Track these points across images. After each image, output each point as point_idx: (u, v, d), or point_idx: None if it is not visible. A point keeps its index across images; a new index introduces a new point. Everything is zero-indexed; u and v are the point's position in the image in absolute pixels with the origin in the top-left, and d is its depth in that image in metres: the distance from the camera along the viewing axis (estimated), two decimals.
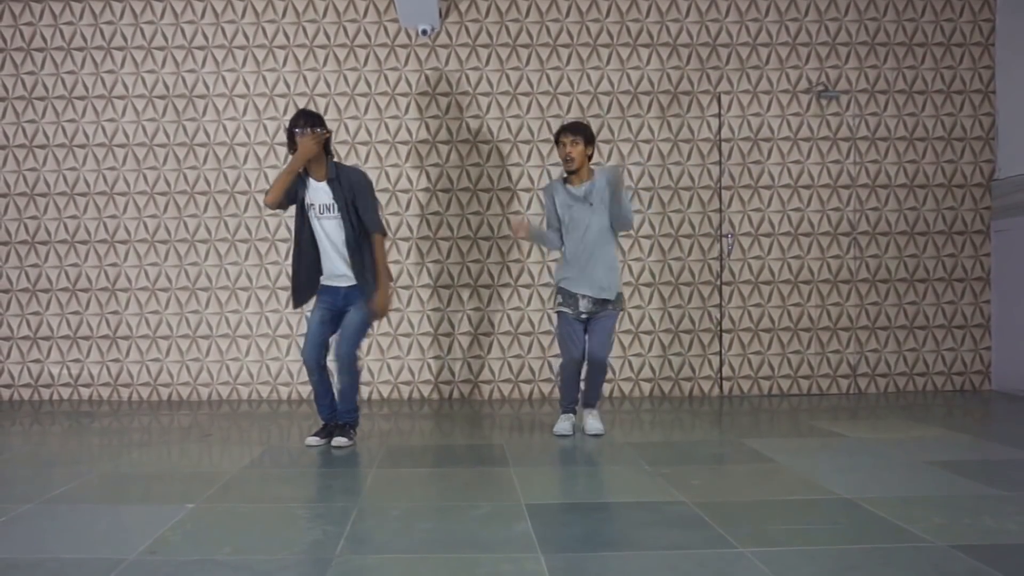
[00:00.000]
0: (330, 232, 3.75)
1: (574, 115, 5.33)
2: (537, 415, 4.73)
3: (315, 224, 3.77)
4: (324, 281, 3.86)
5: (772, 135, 5.43)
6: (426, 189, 5.38)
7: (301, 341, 5.26)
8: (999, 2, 5.46)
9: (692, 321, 5.43)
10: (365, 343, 5.31)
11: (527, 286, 5.39)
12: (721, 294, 5.43)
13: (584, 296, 3.90)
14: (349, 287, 3.80)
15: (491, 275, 5.39)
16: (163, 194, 5.36)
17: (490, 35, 5.39)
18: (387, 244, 3.87)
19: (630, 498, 2.88)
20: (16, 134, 5.36)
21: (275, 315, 5.37)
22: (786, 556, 2.21)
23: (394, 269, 5.14)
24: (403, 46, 5.37)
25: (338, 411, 3.88)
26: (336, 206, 3.72)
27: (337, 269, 3.79)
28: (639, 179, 5.40)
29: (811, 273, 5.46)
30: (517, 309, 5.39)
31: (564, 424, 4.03)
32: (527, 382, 5.40)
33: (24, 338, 5.38)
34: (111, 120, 5.36)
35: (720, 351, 5.44)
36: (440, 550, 2.30)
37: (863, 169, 5.46)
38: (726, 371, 5.44)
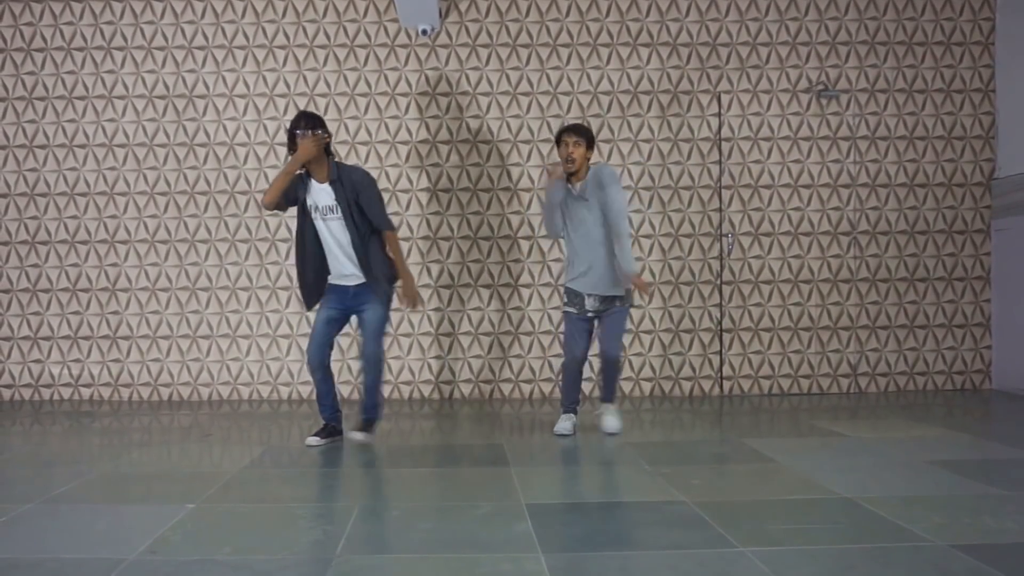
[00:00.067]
0: (336, 233, 3.74)
1: (574, 115, 5.33)
2: (537, 415, 4.73)
3: (320, 225, 3.76)
4: (332, 280, 3.85)
5: (772, 134, 5.43)
6: (426, 189, 5.38)
7: (301, 341, 5.28)
8: (999, 1, 5.45)
9: (692, 321, 5.43)
10: None
11: (527, 286, 5.39)
12: (721, 293, 5.43)
13: (591, 295, 3.91)
14: (357, 285, 3.78)
15: (491, 275, 5.39)
16: (163, 194, 5.36)
17: (490, 35, 5.39)
18: (382, 247, 3.86)
19: (630, 498, 2.88)
20: (16, 134, 5.36)
21: (275, 315, 5.37)
22: (786, 556, 2.21)
23: None
24: (403, 46, 5.37)
25: (365, 406, 3.89)
26: (339, 207, 3.70)
27: (345, 269, 3.78)
28: (639, 179, 5.40)
29: (811, 272, 5.46)
30: (517, 309, 5.39)
31: (564, 424, 4.03)
32: (527, 382, 5.40)
33: (25, 338, 5.38)
34: (111, 120, 5.36)
35: (720, 350, 5.44)
36: (440, 550, 2.30)
37: (863, 168, 5.46)
38: (726, 370, 5.44)
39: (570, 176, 3.94)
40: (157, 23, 5.35)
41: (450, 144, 5.38)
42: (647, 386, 5.42)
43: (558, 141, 3.95)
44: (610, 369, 4.06)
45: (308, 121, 3.69)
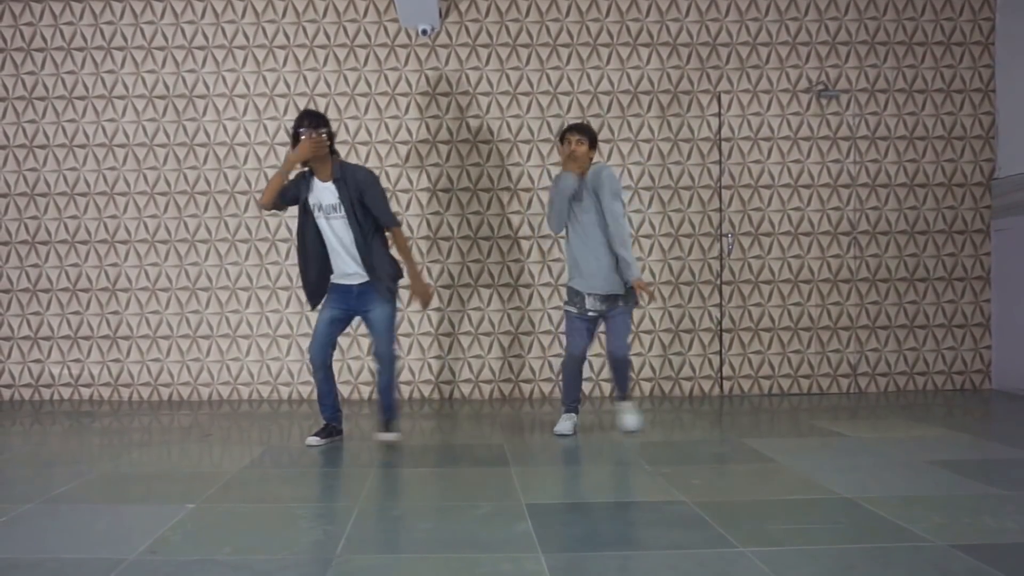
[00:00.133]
0: (338, 232, 3.73)
1: (574, 115, 5.33)
2: (537, 415, 4.73)
3: (322, 224, 3.75)
4: (335, 280, 3.83)
5: (772, 134, 5.43)
6: (426, 189, 5.38)
7: (301, 341, 5.28)
8: (999, 1, 5.45)
9: (692, 321, 5.43)
10: (365, 343, 5.32)
11: (527, 286, 5.39)
12: (721, 293, 5.43)
13: (592, 294, 3.91)
14: (361, 284, 3.77)
15: (491, 275, 5.39)
16: (163, 194, 5.36)
17: (490, 35, 5.39)
18: (385, 245, 3.86)
19: (630, 498, 2.88)
20: (16, 134, 5.36)
21: (275, 315, 5.37)
22: (786, 556, 2.21)
23: None
24: (403, 46, 5.37)
25: (383, 407, 3.89)
26: (342, 206, 3.69)
27: (347, 267, 3.77)
28: (639, 179, 5.40)
29: (811, 272, 5.46)
30: (517, 309, 5.39)
31: (565, 424, 4.03)
32: (527, 382, 5.40)
33: (25, 338, 5.38)
34: (111, 120, 5.36)
35: (720, 350, 5.44)
36: (440, 550, 2.30)
37: (863, 168, 5.46)
38: (726, 371, 5.44)
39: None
40: (157, 23, 5.35)
41: (450, 144, 5.38)
42: (647, 386, 5.42)
43: (562, 139, 3.95)
44: (620, 368, 4.08)
45: (312, 120, 3.68)
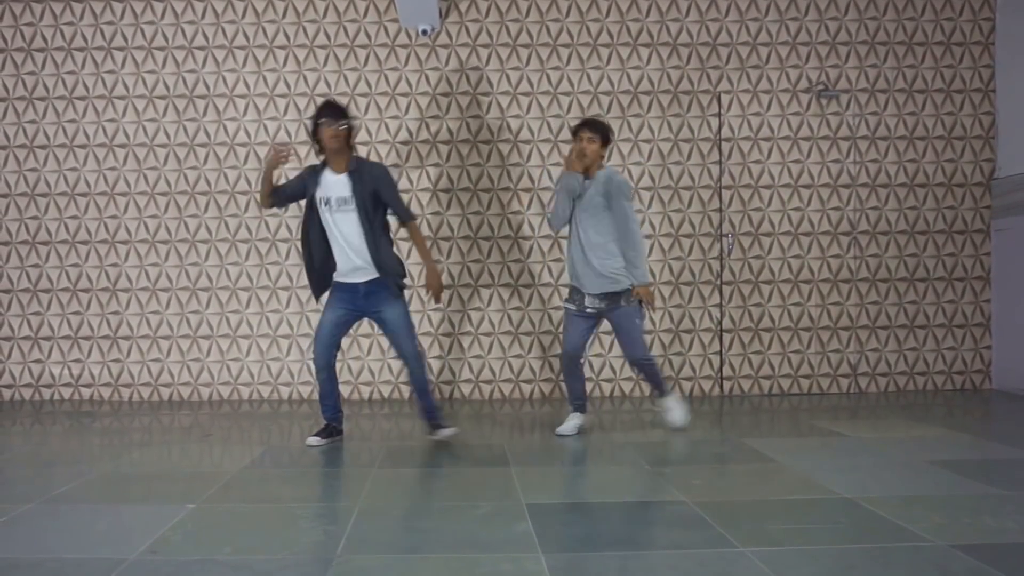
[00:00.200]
0: (344, 226, 3.69)
1: (574, 115, 5.33)
2: (537, 415, 4.73)
3: (328, 219, 3.70)
4: (339, 278, 3.80)
5: (772, 134, 5.44)
6: (426, 189, 5.38)
7: (302, 341, 5.29)
8: (999, 1, 5.46)
9: (692, 321, 5.43)
10: (366, 343, 5.33)
11: (527, 286, 5.39)
12: (721, 294, 5.43)
13: (589, 292, 3.91)
14: (367, 283, 3.74)
15: (491, 275, 5.39)
16: (164, 194, 5.36)
17: (490, 35, 5.39)
18: (391, 243, 3.86)
19: (631, 498, 2.89)
20: (17, 134, 5.36)
21: (276, 315, 5.37)
22: (786, 556, 2.21)
23: None
24: (403, 46, 5.38)
25: (427, 409, 3.87)
26: (354, 199, 3.66)
27: (352, 263, 3.72)
28: (639, 179, 5.40)
29: (811, 272, 5.46)
30: (518, 309, 5.39)
31: (567, 424, 4.04)
32: (528, 382, 5.40)
33: (25, 338, 5.38)
34: (112, 120, 5.36)
35: (720, 351, 5.44)
36: (440, 550, 2.31)
37: (863, 168, 5.46)
38: (726, 371, 5.44)
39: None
40: (157, 23, 5.36)
41: (450, 144, 5.38)
42: (648, 386, 5.41)
43: (574, 135, 3.94)
44: (643, 370, 4.10)
45: (331, 112, 3.67)
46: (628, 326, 3.93)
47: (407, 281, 3.89)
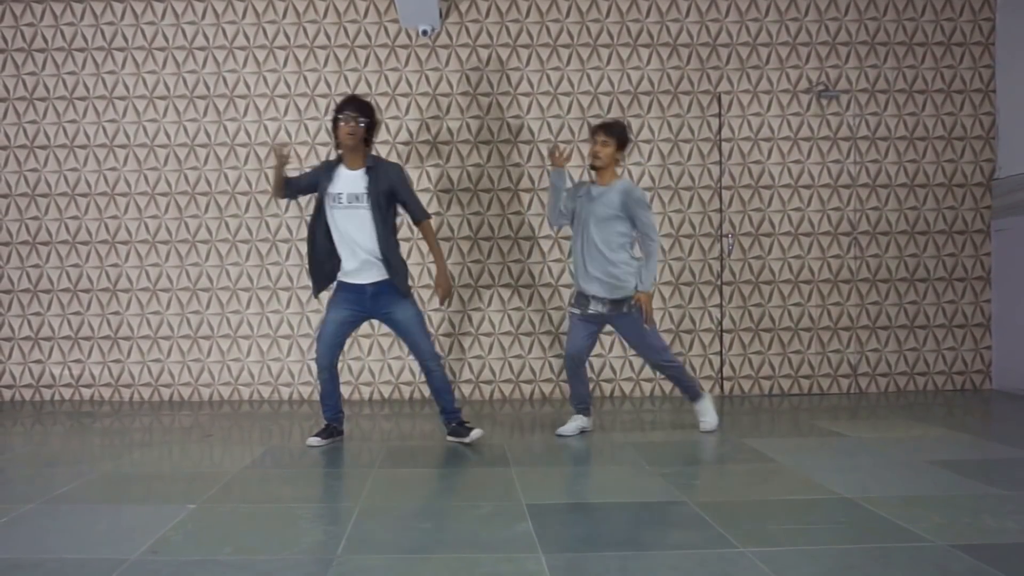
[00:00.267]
0: (353, 223, 3.66)
1: (575, 116, 5.34)
2: (538, 415, 4.73)
3: (336, 215, 3.67)
4: (343, 278, 3.77)
5: (772, 135, 5.44)
6: (427, 190, 5.38)
7: (302, 342, 5.29)
8: (999, 1, 5.46)
9: (693, 321, 5.43)
10: (366, 343, 5.33)
11: (528, 286, 5.40)
12: (722, 294, 5.43)
13: (593, 296, 3.90)
14: (375, 284, 3.72)
15: (492, 275, 5.39)
16: (164, 195, 5.37)
17: (490, 36, 5.39)
18: (398, 244, 3.87)
19: (631, 498, 2.89)
20: (17, 135, 5.36)
21: (276, 316, 5.37)
22: (787, 556, 2.22)
23: None
24: (403, 47, 5.38)
25: (449, 411, 3.88)
26: (367, 196, 3.64)
27: (358, 262, 3.69)
28: (639, 179, 5.40)
29: (811, 273, 5.46)
30: (518, 309, 5.40)
31: (568, 425, 4.04)
32: (528, 382, 5.40)
33: (26, 339, 5.39)
34: (112, 121, 5.36)
35: (721, 351, 5.44)
36: (440, 550, 2.31)
37: (863, 169, 5.46)
38: (727, 371, 5.44)
39: (595, 171, 3.94)
40: (158, 24, 5.36)
41: (451, 145, 5.39)
42: (647, 386, 5.42)
43: (592, 136, 3.95)
44: (667, 374, 4.12)
45: (352, 108, 3.66)
46: (637, 333, 3.93)
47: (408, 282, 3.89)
